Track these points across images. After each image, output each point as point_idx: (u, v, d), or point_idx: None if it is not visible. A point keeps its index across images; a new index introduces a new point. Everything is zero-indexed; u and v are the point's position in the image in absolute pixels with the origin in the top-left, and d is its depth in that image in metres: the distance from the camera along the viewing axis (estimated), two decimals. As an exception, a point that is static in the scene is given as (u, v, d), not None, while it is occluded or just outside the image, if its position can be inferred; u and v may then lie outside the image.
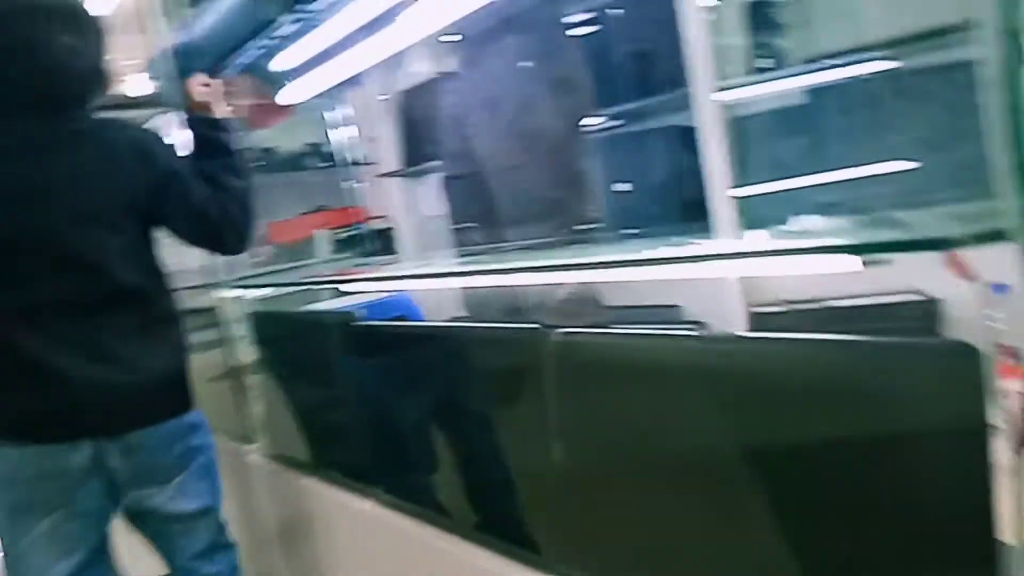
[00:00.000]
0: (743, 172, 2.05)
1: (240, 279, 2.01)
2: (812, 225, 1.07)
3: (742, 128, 2.24)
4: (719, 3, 2.15)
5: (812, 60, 2.01)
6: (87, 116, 1.39)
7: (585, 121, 2.05)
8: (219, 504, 1.52)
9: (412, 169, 3.30)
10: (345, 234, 3.33)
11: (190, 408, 1.44)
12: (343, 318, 1.72)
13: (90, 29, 1.36)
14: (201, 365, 1.96)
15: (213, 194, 1.42)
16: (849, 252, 0.79)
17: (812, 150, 2.08)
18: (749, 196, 2.02)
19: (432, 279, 1.85)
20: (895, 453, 0.75)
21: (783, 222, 1.62)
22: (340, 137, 3.58)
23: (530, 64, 1.94)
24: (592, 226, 1.92)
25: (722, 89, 2.01)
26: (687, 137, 2.33)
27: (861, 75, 1.87)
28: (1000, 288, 0.84)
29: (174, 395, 1.42)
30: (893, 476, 0.76)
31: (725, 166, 1.97)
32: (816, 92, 2.07)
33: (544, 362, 1.09)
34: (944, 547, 0.74)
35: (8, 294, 1.29)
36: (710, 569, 0.94)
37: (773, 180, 2.03)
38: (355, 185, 3.56)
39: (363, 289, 2.09)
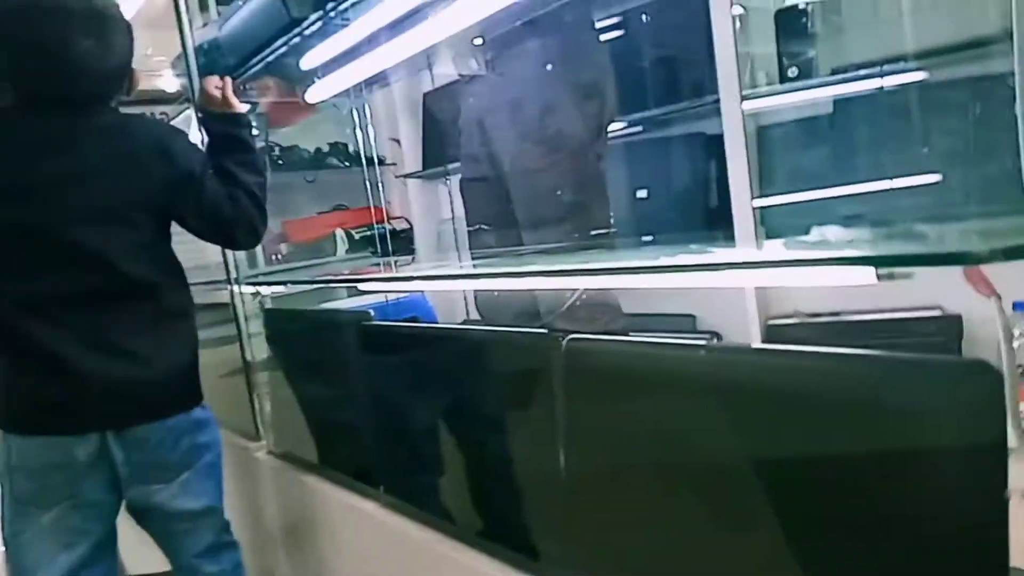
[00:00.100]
0: (767, 181, 2.03)
1: (256, 275, 2.02)
2: (832, 235, 1.04)
3: (768, 137, 2.21)
4: (748, 11, 2.12)
5: (841, 70, 1.97)
6: (110, 111, 1.39)
7: (608, 126, 2.03)
8: (222, 502, 1.51)
9: (431, 170, 3.31)
10: (362, 234, 3.33)
11: (198, 403, 1.44)
12: (356, 317, 1.71)
13: (114, 29, 1.35)
14: (214, 360, 1.97)
15: (227, 191, 1.42)
16: (864, 264, 0.76)
17: (838, 161, 2.04)
18: (772, 206, 1.99)
19: (447, 280, 1.84)
20: (906, 472, 0.73)
21: (805, 233, 1.59)
22: (361, 137, 3.59)
23: (555, 68, 1.92)
24: (610, 231, 1.90)
25: (749, 97, 1.98)
26: (711, 144, 2.31)
27: (890, 86, 1.84)
28: (1022, 306, 0.81)
29: (182, 390, 1.42)
30: (904, 496, 0.73)
31: (749, 175, 1.94)
32: (844, 102, 2.04)
33: (554, 368, 1.07)
34: (955, 570, 0.71)
35: (19, 286, 1.30)
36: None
37: (797, 190, 2.00)
38: (375, 185, 3.57)
39: (379, 289, 2.09)
